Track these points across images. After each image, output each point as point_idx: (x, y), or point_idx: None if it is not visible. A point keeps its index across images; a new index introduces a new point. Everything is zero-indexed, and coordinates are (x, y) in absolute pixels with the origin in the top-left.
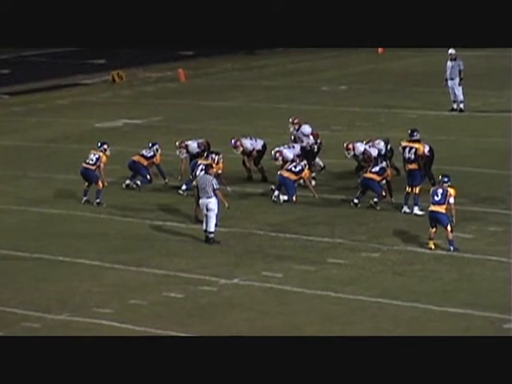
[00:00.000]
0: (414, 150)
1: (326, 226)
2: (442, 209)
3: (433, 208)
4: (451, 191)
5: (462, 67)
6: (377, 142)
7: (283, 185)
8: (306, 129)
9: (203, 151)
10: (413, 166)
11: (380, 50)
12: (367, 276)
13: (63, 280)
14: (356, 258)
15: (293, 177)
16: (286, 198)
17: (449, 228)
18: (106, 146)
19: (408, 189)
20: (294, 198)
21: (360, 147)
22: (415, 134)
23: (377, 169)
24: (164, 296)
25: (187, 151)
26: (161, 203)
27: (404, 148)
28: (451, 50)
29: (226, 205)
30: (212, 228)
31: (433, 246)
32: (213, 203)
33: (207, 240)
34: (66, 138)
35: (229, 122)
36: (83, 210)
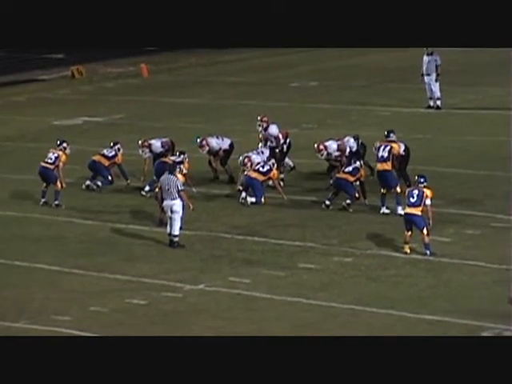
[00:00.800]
0: (388, 148)
1: (296, 228)
2: (417, 211)
3: (408, 210)
4: (427, 192)
5: (438, 62)
6: (346, 139)
7: (250, 186)
8: (273, 130)
9: (167, 151)
10: (384, 167)
11: None
12: (340, 282)
13: (20, 286)
14: (328, 262)
15: (260, 177)
16: (253, 199)
17: (425, 231)
18: (65, 145)
19: (383, 190)
20: (262, 200)
21: (332, 145)
22: (391, 135)
23: (350, 169)
24: (126, 303)
25: (150, 150)
26: (123, 205)
27: (379, 147)
28: None
29: (191, 207)
30: (176, 231)
31: (408, 251)
32: (177, 205)
33: (171, 244)
34: (22, 137)
35: (194, 119)
36: (40, 212)
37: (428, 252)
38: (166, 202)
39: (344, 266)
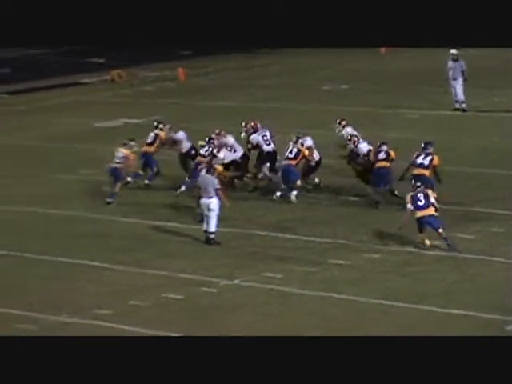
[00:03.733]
0: (429, 158)
1: (326, 226)
2: (429, 212)
3: (420, 214)
4: (430, 192)
5: (464, 68)
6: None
7: (287, 174)
8: (254, 139)
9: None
10: (423, 172)
11: (382, 50)
12: (369, 277)
13: (62, 280)
14: (358, 258)
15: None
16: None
17: (440, 230)
18: (132, 143)
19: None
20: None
21: (364, 148)
22: (429, 147)
23: (384, 156)
24: (164, 297)
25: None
26: (160, 204)
27: (418, 155)
28: (453, 51)
29: (227, 205)
30: (213, 228)
31: (428, 242)
32: (214, 203)
33: (208, 241)
34: (66, 137)
35: (228, 122)
36: (83, 210)
37: (448, 243)
38: (203, 200)
39: (373, 262)
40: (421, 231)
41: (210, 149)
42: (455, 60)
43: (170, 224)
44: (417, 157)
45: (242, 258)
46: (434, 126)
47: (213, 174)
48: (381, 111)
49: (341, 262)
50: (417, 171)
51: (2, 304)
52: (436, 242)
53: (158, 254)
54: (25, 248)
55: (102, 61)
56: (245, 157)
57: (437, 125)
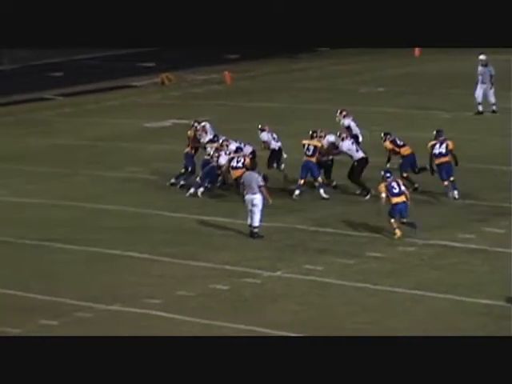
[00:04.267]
0: (445, 145)
1: (363, 221)
2: (403, 199)
3: (396, 200)
4: (400, 181)
5: (493, 72)
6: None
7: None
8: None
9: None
10: (446, 159)
11: (416, 52)
12: (404, 269)
13: (115, 272)
14: (393, 251)
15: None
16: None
17: (405, 220)
18: (221, 140)
19: (446, 183)
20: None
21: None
22: (441, 133)
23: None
24: (210, 288)
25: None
26: (205, 199)
27: (434, 145)
28: (482, 56)
29: (270, 201)
30: (257, 223)
31: (399, 233)
32: (258, 199)
33: (252, 234)
34: (116, 138)
35: (272, 122)
36: (132, 205)
37: (414, 226)
38: (247, 197)
39: (407, 255)
40: (392, 217)
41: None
42: (484, 65)
43: (214, 218)
44: (434, 147)
45: (284, 250)
46: (466, 126)
47: (256, 171)
48: (415, 112)
49: (377, 254)
50: (438, 161)
51: (61, 294)
52: (467, 236)
53: (204, 246)
54: (77, 241)
55: (151, 64)
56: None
57: (468, 125)
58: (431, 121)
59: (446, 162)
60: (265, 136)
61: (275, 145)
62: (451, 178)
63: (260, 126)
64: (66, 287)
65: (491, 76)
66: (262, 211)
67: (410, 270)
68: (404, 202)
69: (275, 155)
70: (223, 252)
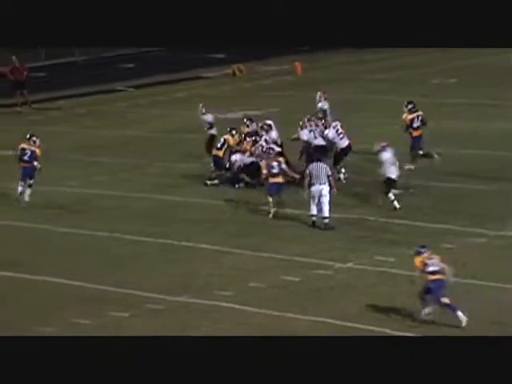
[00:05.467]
0: (420, 118)
1: (434, 212)
2: (279, 179)
3: (272, 180)
4: (281, 159)
5: None
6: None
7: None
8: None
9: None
10: (420, 132)
11: None
12: (476, 260)
13: (186, 264)
14: (464, 242)
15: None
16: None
17: (271, 199)
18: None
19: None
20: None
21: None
22: (410, 106)
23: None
24: (281, 279)
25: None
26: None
27: (412, 119)
28: None
29: (335, 191)
30: (327, 213)
31: (273, 211)
32: (326, 189)
33: (315, 224)
34: (185, 128)
35: (340, 112)
36: (200, 197)
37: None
38: (314, 187)
39: (478, 246)
40: (271, 195)
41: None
42: None
43: (282, 210)
44: (413, 121)
45: (355, 241)
46: None
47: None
48: (487, 102)
49: (448, 245)
50: (416, 133)
51: (133, 286)
52: None
53: (274, 238)
54: (148, 233)
55: (221, 56)
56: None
57: None
58: (506, 111)
59: (421, 135)
60: (305, 135)
61: (318, 141)
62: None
63: (301, 123)
64: (138, 279)
65: None
66: (331, 202)
67: (482, 260)
68: (277, 182)
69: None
70: (293, 243)
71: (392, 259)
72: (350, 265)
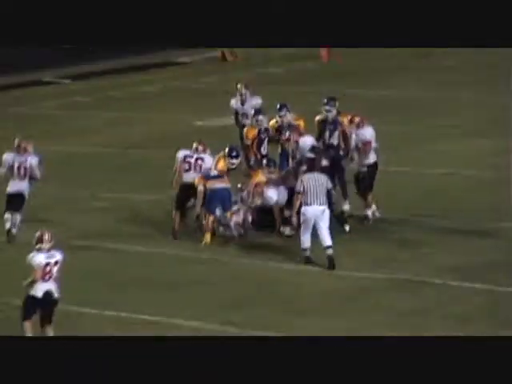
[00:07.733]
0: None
1: None
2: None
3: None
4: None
5: None
6: None
7: None
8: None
9: None
10: None
11: None
12: None
13: None
14: None
15: None
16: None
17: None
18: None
19: None
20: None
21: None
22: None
23: None
24: None
25: None
26: None
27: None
28: None
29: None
30: (329, 240)
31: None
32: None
33: (328, 260)
34: (153, 141)
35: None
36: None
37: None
38: (311, 208)
39: None
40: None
41: None
42: None
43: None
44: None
45: None
46: None
47: None
48: None
49: None
50: None
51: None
52: None
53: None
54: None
55: None
56: None
57: None
58: None
59: None
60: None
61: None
62: None
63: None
64: (214, 292)
65: None
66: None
67: None
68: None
69: None
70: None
71: None
72: None
